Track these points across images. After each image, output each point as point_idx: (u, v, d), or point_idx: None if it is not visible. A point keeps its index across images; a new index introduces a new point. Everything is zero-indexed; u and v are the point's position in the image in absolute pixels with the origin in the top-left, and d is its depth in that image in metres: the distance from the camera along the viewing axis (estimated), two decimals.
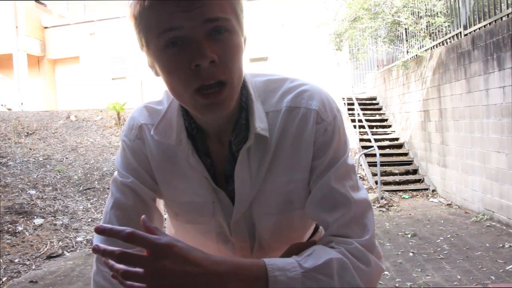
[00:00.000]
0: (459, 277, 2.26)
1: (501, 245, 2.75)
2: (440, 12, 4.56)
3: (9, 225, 3.47)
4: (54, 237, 3.41)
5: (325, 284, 0.43)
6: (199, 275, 0.38)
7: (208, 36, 0.42)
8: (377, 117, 6.55)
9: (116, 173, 0.53)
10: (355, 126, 6.22)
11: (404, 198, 4.62)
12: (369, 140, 5.62)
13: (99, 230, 0.38)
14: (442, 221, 3.57)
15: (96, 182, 4.82)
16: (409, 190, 4.82)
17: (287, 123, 0.49)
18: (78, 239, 3.43)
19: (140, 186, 0.51)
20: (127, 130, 0.53)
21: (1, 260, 2.85)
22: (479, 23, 3.65)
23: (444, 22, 4.38)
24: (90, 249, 3.12)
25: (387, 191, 4.77)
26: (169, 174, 0.52)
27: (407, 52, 5.47)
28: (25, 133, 6.25)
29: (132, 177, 0.51)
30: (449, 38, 4.29)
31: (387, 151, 5.55)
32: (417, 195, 4.71)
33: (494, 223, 3.34)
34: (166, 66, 0.43)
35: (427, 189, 4.79)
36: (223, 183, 0.51)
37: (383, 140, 5.88)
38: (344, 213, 0.48)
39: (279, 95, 0.50)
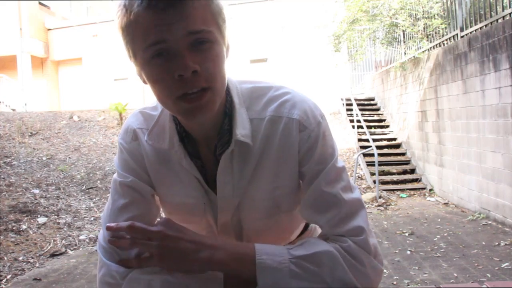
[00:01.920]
0: (455, 274, 2.28)
1: (496, 243, 2.78)
2: (437, 14, 4.60)
3: (13, 224, 3.52)
4: (58, 235, 3.46)
5: (313, 274, 0.45)
6: (195, 244, 0.45)
7: (191, 47, 0.44)
8: (375, 117, 6.58)
9: (115, 174, 0.55)
10: (353, 127, 6.25)
11: (401, 197, 4.66)
12: (367, 140, 5.66)
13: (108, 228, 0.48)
14: (439, 220, 3.60)
15: (99, 182, 4.87)
16: (407, 189, 4.86)
17: (270, 132, 0.51)
18: (81, 237, 3.48)
19: (139, 183, 0.53)
20: (123, 134, 0.56)
21: (5, 258, 2.91)
22: (475, 25, 3.69)
23: (441, 24, 4.42)
24: (93, 247, 3.18)
25: (385, 190, 4.81)
26: (163, 176, 0.54)
27: (405, 53, 5.51)
28: (29, 133, 6.31)
29: (131, 176, 0.53)
30: (446, 40, 4.33)
31: (385, 151, 5.59)
32: (415, 194, 4.74)
33: (490, 222, 3.37)
34: (151, 75, 0.46)
35: (424, 188, 4.83)
36: (214, 184, 0.53)
37: (381, 140, 5.90)
38: (336, 214, 0.49)
39: (263, 102, 0.52)
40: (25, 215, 3.75)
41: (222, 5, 0.47)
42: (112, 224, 0.49)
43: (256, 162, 0.51)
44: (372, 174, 5.03)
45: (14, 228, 3.46)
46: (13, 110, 9.01)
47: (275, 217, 0.54)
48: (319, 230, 0.68)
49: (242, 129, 0.50)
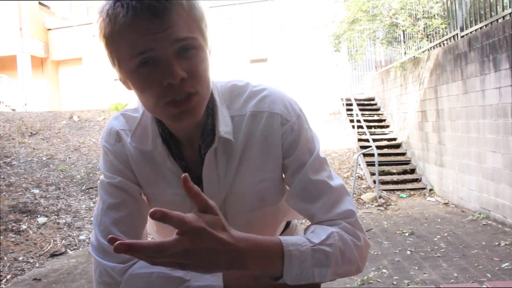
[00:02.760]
0: (455, 274, 2.28)
1: (497, 243, 2.78)
2: (437, 14, 4.60)
3: (13, 224, 3.52)
4: (58, 235, 3.46)
5: (332, 256, 0.46)
6: (223, 252, 0.40)
7: (177, 55, 0.45)
8: (375, 117, 6.58)
9: (102, 176, 0.55)
10: (353, 127, 6.26)
11: (401, 197, 4.66)
12: (367, 140, 5.66)
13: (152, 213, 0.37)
14: (439, 220, 3.60)
15: (99, 182, 4.87)
16: (407, 189, 4.86)
17: (252, 127, 0.52)
18: (81, 237, 3.48)
19: (127, 183, 0.53)
20: (106, 136, 0.55)
21: (5, 258, 2.91)
22: (475, 25, 3.69)
23: (441, 24, 4.42)
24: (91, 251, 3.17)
25: (385, 190, 4.80)
26: (149, 175, 0.54)
27: (405, 53, 5.51)
28: (29, 133, 6.31)
29: (119, 177, 0.53)
30: (446, 40, 4.33)
31: (385, 151, 5.59)
32: (415, 194, 4.74)
33: (490, 222, 3.37)
34: (139, 84, 0.46)
35: (424, 188, 4.83)
36: (199, 183, 0.52)
37: (381, 140, 5.91)
38: (326, 200, 0.51)
39: (243, 99, 0.53)
40: (25, 215, 3.75)
41: (203, 10, 0.48)
42: (118, 243, 0.37)
43: (239, 157, 0.52)
44: (372, 174, 5.03)
45: (14, 228, 3.46)
46: (13, 110, 9.01)
47: (259, 211, 0.55)
48: (300, 228, 0.70)
49: (224, 126, 0.51)
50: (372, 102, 7.12)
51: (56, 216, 3.86)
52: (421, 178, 5.03)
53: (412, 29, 5.03)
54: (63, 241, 3.36)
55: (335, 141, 6.30)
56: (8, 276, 2.66)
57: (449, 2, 4.36)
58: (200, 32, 0.47)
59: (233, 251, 0.41)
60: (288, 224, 0.67)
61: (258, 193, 0.54)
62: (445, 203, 4.27)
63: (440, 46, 4.47)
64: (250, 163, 0.53)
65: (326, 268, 0.46)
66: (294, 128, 0.52)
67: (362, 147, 5.66)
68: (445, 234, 3.12)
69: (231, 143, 0.52)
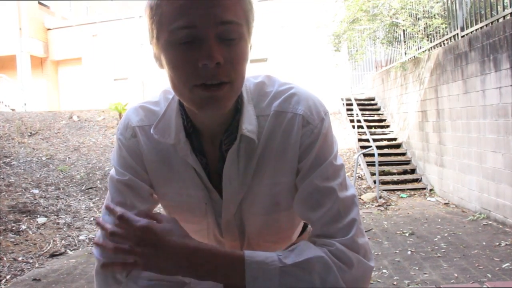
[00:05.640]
0: (456, 275, 2.28)
1: (497, 244, 2.77)
2: (438, 14, 4.60)
3: (12, 224, 3.51)
4: (57, 235, 3.45)
5: (304, 281, 0.43)
6: (180, 254, 0.44)
7: (218, 38, 0.43)
8: (376, 117, 6.58)
9: (112, 171, 0.54)
10: (353, 126, 6.26)
11: (402, 197, 4.65)
12: (367, 140, 5.66)
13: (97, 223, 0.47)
14: (439, 220, 3.60)
15: (98, 182, 4.87)
16: (407, 189, 4.86)
17: (274, 127, 0.50)
18: (81, 237, 3.47)
19: (137, 182, 0.52)
20: (122, 129, 0.54)
21: (5, 258, 2.90)
22: (475, 24, 3.68)
23: (442, 23, 4.42)
24: (93, 248, 3.17)
25: (385, 190, 4.80)
26: (163, 175, 0.53)
27: (405, 53, 5.50)
28: (29, 133, 6.31)
29: (129, 174, 0.52)
30: (446, 40, 4.32)
31: (385, 151, 5.59)
32: (415, 194, 4.74)
33: (490, 222, 3.36)
34: (173, 60, 0.44)
35: (424, 189, 4.83)
36: (216, 182, 0.52)
37: (381, 140, 5.90)
38: (327, 211, 0.48)
39: (268, 99, 0.51)
40: (24, 215, 3.74)
41: (253, 4, 0.47)
42: (112, 207, 0.49)
43: (258, 158, 0.51)
44: (372, 174, 5.03)
45: (13, 228, 3.45)
46: (13, 110, 9.00)
47: (274, 215, 0.53)
48: None
49: (248, 125, 0.50)
50: (372, 102, 7.12)
51: (55, 216, 3.85)
52: (421, 178, 5.03)
53: (412, 29, 5.02)
54: (63, 241, 3.35)
55: (336, 139, 6.28)
56: (8, 277, 2.65)
57: (449, 2, 4.35)
58: (246, 22, 0.45)
59: (192, 249, 0.44)
60: (305, 227, 0.64)
61: (272, 197, 0.52)
62: (445, 203, 4.26)
63: (440, 46, 4.47)
64: (268, 164, 0.51)
65: None
66: (315, 132, 0.50)
67: (362, 147, 5.66)
68: (446, 234, 3.11)
69: (253, 143, 0.50)
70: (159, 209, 0.59)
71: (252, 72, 0.56)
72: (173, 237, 0.45)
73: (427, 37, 4.88)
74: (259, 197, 0.52)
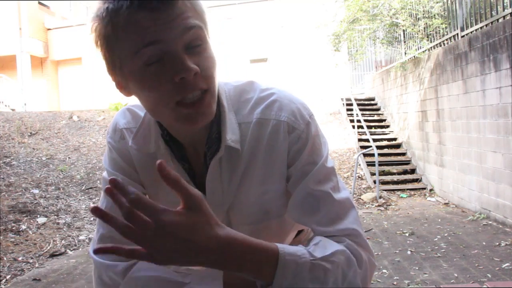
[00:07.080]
0: (456, 275, 2.28)
1: (497, 244, 2.77)
2: (438, 14, 4.61)
3: (12, 224, 3.52)
4: (57, 235, 3.45)
5: (331, 275, 0.43)
6: (211, 248, 0.38)
7: (187, 50, 0.42)
8: (376, 117, 6.58)
9: (104, 173, 0.54)
10: (353, 127, 6.26)
11: (402, 197, 4.66)
12: (367, 140, 5.66)
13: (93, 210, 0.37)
14: (439, 220, 3.60)
15: (98, 182, 4.86)
16: (407, 189, 4.86)
17: (258, 135, 0.49)
18: (81, 237, 3.48)
19: (130, 182, 0.52)
20: (111, 132, 0.54)
21: (5, 258, 2.90)
22: (475, 24, 3.68)
23: (442, 24, 4.42)
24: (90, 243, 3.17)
25: (385, 190, 4.80)
26: (152, 175, 0.51)
27: (405, 53, 5.50)
28: (29, 133, 6.31)
29: (121, 175, 0.52)
30: (446, 40, 4.32)
31: (385, 151, 5.59)
32: (415, 194, 4.74)
33: (490, 222, 3.37)
34: (146, 83, 0.43)
35: (424, 189, 4.83)
36: (203, 186, 0.51)
37: (381, 140, 5.91)
38: (326, 213, 0.47)
39: (250, 106, 0.50)
40: (24, 215, 3.74)
41: (204, 7, 0.47)
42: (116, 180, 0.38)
43: (244, 167, 0.50)
44: (372, 174, 5.03)
45: (13, 228, 3.45)
46: (13, 110, 9.01)
47: (264, 223, 0.52)
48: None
49: (232, 135, 0.49)
50: (372, 102, 7.12)
51: (55, 216, 3.85)
52: (421, 178, 5.03)
53: (412, 29, 5.03)
54: (63, 241, 3.35)
55: (335, 141, 6.30)
56: (8, 276, 2.65)
57: (449, 2, 4.36)
58: (205, 25, 0.45)
59: (224, 248, 0.38)
60: (299, 232, 0.63)
61: (262, 205, 0.51)
62: (445, 203, 4.27)
63: (440, 46, 4.47)
64: (254, 173, 0.50)
65: (322, 286, 0.43)
66: (302, 137, 0.49)
67: (362, 147, 5.66)
68: (446, 234, 3.11)
69: (237, 152, 0.49)
70: None
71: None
72: (205, 226, 0.38)
73: (427, 37, 4.88)
74: (247, 206, 0.51)
